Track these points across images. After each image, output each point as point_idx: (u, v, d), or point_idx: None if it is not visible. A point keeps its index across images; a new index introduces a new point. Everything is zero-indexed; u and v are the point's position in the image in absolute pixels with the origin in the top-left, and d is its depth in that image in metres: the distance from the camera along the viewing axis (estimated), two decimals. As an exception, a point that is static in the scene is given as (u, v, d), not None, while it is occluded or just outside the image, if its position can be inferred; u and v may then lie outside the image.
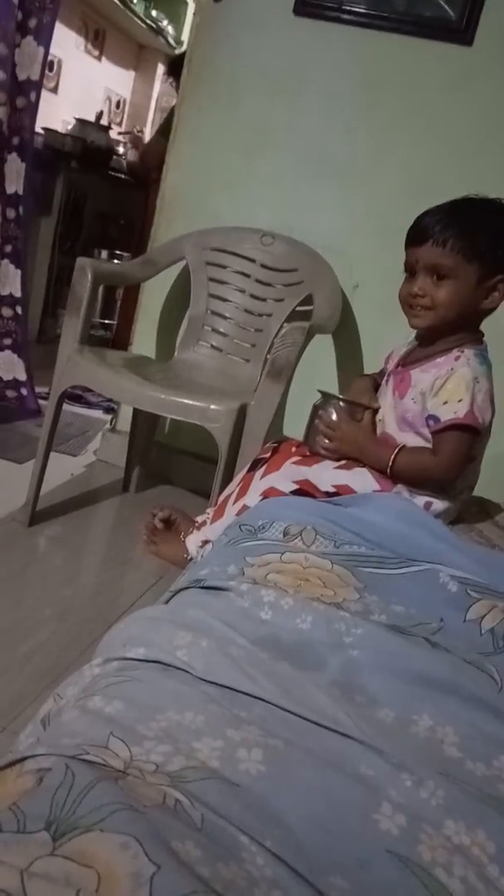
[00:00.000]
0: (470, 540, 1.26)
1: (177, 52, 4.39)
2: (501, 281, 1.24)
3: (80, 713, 0.67)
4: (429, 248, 1.22)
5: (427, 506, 1.29)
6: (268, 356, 1.76)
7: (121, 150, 4.11)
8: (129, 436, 2.22)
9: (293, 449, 1.41)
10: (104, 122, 4.19)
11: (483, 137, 1.98)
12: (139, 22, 4.23)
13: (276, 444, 1.46)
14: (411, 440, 1.31)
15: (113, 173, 3.90)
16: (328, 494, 1.30)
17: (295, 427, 1.50)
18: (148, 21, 4.29)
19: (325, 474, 1.32)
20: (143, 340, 2.30)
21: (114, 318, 3.67)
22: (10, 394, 2.60)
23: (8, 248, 2.50)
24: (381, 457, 1.30)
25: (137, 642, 0.80)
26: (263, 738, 0.66)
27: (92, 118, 3.99)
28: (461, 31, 1.94)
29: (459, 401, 1.22)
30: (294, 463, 1.36)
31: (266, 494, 1.34)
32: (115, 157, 3.96)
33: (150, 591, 1.66)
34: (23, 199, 2.48)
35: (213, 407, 1.60)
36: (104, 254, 3.59)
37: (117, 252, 3.64)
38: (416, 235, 1.25)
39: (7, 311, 2.56)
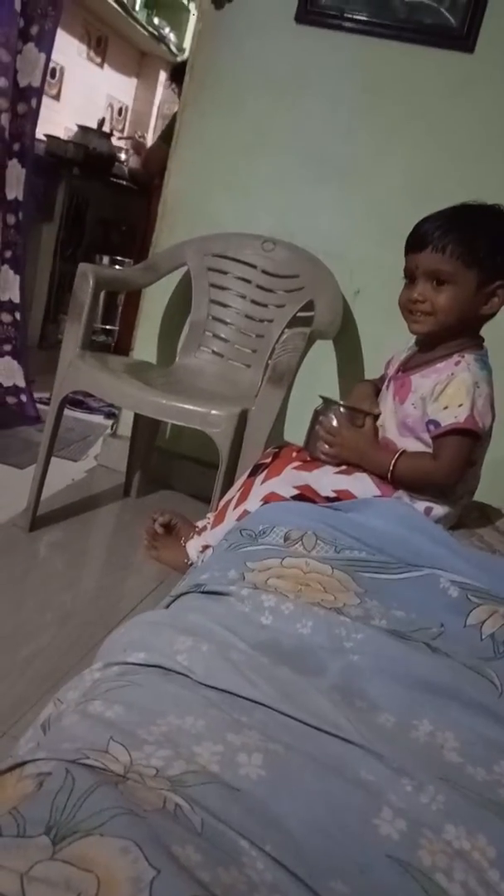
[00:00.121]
0: (470, 545, 1.26)
1: (178, 59, 4.40)
2: (501, 286, 1.24)
3: (80, 718, 0.67)
4: (428, 254, 1.23)
5: (427, 511, 1.29)
6: (269, 362, 1.77)
7: (123, 156, 4.12)
8: (130, 441, 2.22)
9: (294, 454, 1.41)
10: (106, 129, 4.21)
11: (484, 143, 1.99)
12: (141, 29, 4.25)
13: (276, 450, 1.46)
14: (412, 445, 1.31)
15: (115, 180, 3.92)
16: (329, 499, 1.30)
17: (296, 432, 1.50)
18: (150, 28, 4.31)
19: (326, 479, 1.32)
20: (145, 346, 2.30)
21: (115, 324, 3.68)
22: (11, 400, 2.60)
23: (8, 254, 2.51)
24: (381, 462, 1.30)
25: (138, 647, 0.80)
26: (264, 742, 0.66)
27: (94, 125, 4.01)
28: (462, 38, 1.95)
29: (460, 405, 1.23)
30: (295, 468, 1.36)
31: (267, 499, 1.34)
32: (117, 163, 3.98)
33: (150, 595, 1.66)
34: (23, 205, 2.48)
35: (214, 412, 1.61)
36: (106, 260, 3.59)
37: (119, 258, 3.64)
38: (416, 241, 1.25)
39: (6, 317, 2.57)
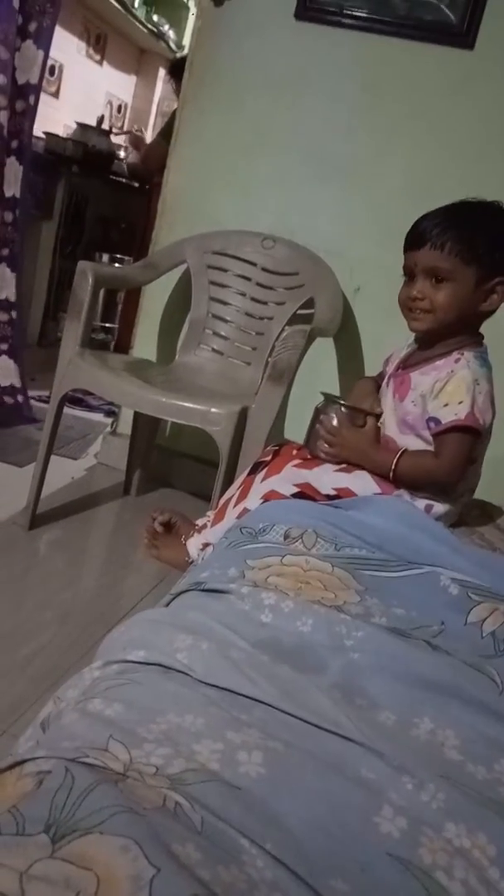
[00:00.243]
0: (471, 543, 1.25)
1: (178, 56, 4.39)
2: (500, 283, 1.24)
3: (80, 716, 0.67)
4: (427, 252, 1.22)
5: (428, 508, 1.29)
6: (269, 359, 1.77)
7: (122, 154, 4.12)
8: (129, 439, 2.22)
9: (294, 452, 1.41)
10: (105, 126, 4.20)
11: (484, 141, 1.99)
12: (140, 26, 4.24)
13: (276, 448, 1.46)
14: (412, 442, 1.31)
15: (114, 177, 3.91)
16: (329, 497, 1.29)
17: (296, 430, 1.50)
18: (149, 26, 4.30)
19: (326, 477, 1.32)
20: (145, 344, 2.30)
21: (115, 322, 3.68)
22: (8, 399, 2.59)
23: (5, 252, 2.50)
24: (383, 462, 1.30)
25: (138, 645, 0.80)
26: (264, 740, 0.66)
27: (93, 122, 4.00)
28: (462, 34, 1.94)
29: (460, 402, 1.22)
30: (295, 466, 1.36)
31: (267, 497, 1.33)
32: (116, 161, 3.97)
33: (150, 594, 1.66)
34: (20, 203, 2.48)
35: (214, 410, 1.61)
36: (105, 258, 3.59)
37: (118, 256, 3.64)
38: (415, 239, 1.25)
39: (3, 316, 2.56)
